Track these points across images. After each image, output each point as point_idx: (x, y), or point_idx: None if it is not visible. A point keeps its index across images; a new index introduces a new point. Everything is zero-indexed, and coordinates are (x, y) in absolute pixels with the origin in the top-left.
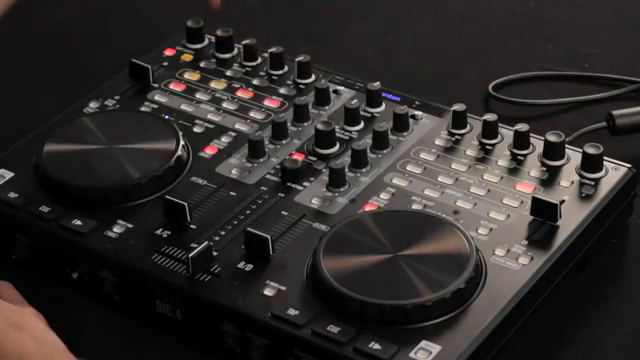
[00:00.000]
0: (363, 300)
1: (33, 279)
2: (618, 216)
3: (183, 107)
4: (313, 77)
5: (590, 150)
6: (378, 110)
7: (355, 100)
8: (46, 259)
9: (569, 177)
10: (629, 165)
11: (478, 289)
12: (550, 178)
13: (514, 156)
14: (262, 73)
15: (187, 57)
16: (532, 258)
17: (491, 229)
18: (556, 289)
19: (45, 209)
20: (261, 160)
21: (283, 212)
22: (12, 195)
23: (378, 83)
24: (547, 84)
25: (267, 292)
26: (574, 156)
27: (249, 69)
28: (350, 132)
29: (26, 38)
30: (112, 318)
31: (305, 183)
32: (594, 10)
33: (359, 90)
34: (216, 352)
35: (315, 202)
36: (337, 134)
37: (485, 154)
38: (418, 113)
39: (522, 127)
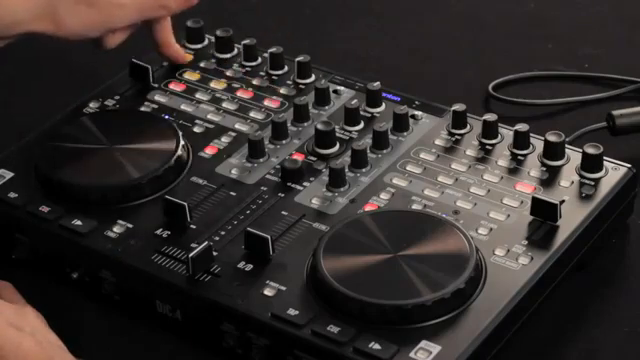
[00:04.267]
0: (363, 300)
1: (33, 279)
2: (618, 216)
3: (183, 107)
4: (313, 77)
5: (590, 150)
6: (378, 110)
7: (355, 100)
8: (46, 259)
9: (569, 177)
10: (629, 165)
11: (478, 289)
12: (550, 178)
13: (514, 156)
14: (262, 73)
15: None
16: (532, 258)
17: (491, 229)
18: (556, 289)
19: (45, 209)
20: (261, 160)
21: (283, 212)
22: (12, 195)
23: (378, 83)
24: (547, 84)
25: (267, 292)
26: (574, 156)
27: (249, 69)
28: (350, 132)
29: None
30: (112, 318)
31: (305, 183)
32: (594, 10)
33: (359, 90)
34: (216, 352)
35: (315, 202)
36: (337, 134)
37: (485, 154)
38: (418, 113)
39: (522, 127)
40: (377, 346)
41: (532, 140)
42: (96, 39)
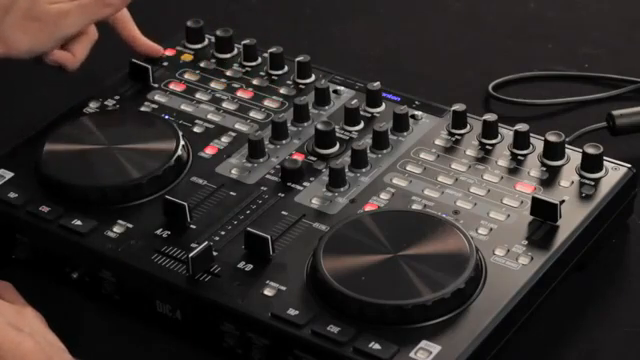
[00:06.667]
0: (363, 300)
1: (33, 279)
2: (618, 216)
3: (183, 107)
4: (313, 77)
5: (590, 150)
6: (378, 110)
7: (355, 100)
8: (46, 259)
9: (569, 177)
10: (629, 165)
11: (478, 289)
12: (550, 178)
13: (514, 156)
14: (262, 73)
15: (187, 57)
16: (532, 258)
17: (491, 229)
18: (556, 289)
19: (45, 209)
20: (261, 160)
21: (283, 212)
22: (12, 195)
23: (378, 83)
24: (547, 84)
25: (267, 292)
26: (574, 156)
27: (249, 69)
28: (350, 132)
29: None
30: (112, 318)
31: (305, 183)
32: (594, 10)
33: (359, 90)
34: (216, 352)
35: (315, 202)
36: (337, 134)
37: (485, 154)
38: (418, 113)
39: (522, 127)
40: (377, 346)
41: (532, 140)
42: (59, 60)
